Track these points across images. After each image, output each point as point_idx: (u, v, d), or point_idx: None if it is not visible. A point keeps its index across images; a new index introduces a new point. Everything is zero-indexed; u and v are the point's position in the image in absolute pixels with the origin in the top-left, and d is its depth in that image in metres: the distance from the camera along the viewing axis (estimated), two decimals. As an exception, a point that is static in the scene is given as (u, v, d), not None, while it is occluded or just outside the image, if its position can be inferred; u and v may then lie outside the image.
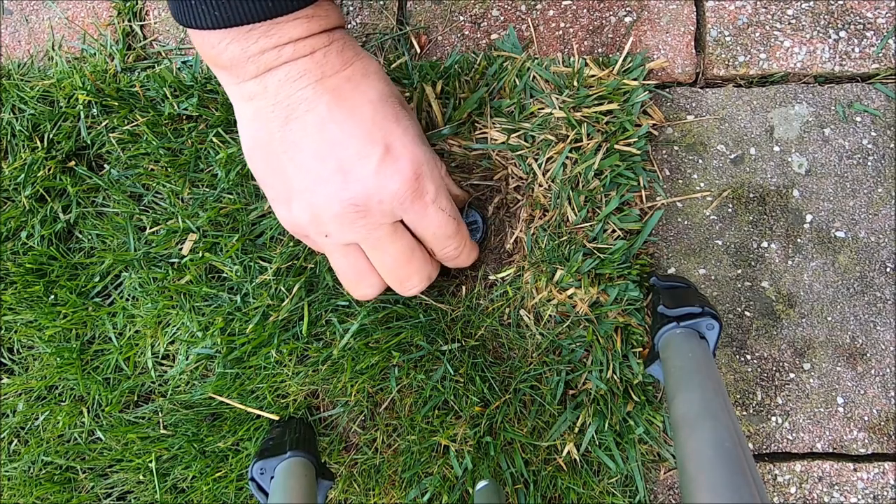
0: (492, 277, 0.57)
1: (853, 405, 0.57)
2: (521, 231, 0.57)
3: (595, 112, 0.56)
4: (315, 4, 0.36)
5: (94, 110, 0.61)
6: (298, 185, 0.40)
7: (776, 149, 0.57)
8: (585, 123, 0.55)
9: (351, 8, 0.63)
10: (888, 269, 0.56)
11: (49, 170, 0.61)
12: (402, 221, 0.43)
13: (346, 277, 0.46)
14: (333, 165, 0.39)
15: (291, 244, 0.57)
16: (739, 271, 0.58)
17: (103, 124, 0.61)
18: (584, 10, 0.61)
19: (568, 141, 0.55)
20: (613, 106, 0.55)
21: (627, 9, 0.60)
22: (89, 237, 0.62)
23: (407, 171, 0.39)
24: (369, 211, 0.40)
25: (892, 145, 0.56)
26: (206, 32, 0.35)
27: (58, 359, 0.61)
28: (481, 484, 0.53)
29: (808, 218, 0.57)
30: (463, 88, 0.56)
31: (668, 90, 0.59)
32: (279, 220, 0.43)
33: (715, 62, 0.59)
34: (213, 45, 0.36)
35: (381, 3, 0.62)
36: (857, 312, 0.57)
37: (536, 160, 0.56)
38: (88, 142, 0.61)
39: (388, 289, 0.48)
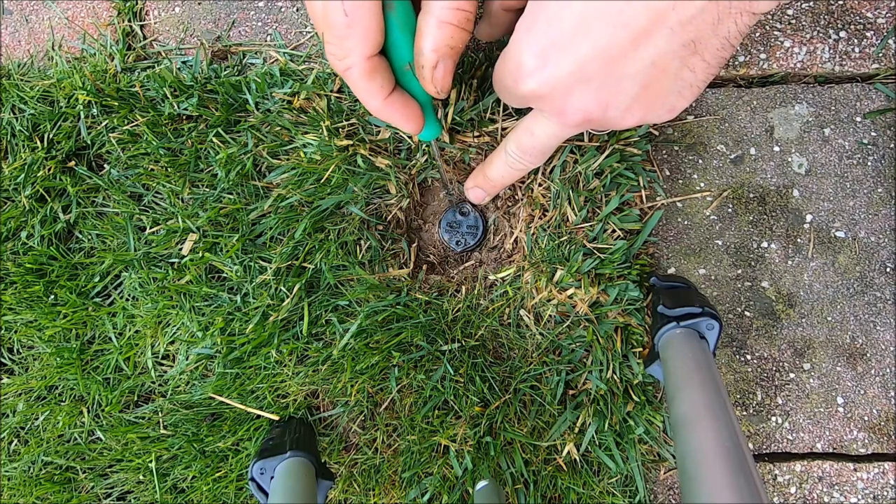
0: (492, 277, 0.57)
1: (853, 405, 0.57)
2: (521, 231, 0.57)
3: (595, 112, 0.56)
4: None
5: (94, 110, 0.61)
6: None
7: (776, 149, 0.57)
8: (585, 123, 0.55)
9: (351, 8, 0.63)
10: (888, 269, 0.56)
11: (49, 170, 0.61)
12: None
13: None
14: None
15: (291, 244, 0.57)
16: (739, 271, 0.58)
17: (103, 124, 0.61)
18: (584, 10, 0.61)
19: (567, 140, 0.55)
20: (613, 106, 0.55)
21: (627, 9, 0.60)
22: (89, 237, 0.62)
23: None
24: None
25: (892, 145, 0.56)
26: None
27: (58, 359, 0.61)
28: (481, 484, 0.53)
29: (808, 218, 0.57)
30: (467, 89, 0.56)
31: (668, 90, 0.59)
32: None
33: (715, 62, 0.59)
34: None
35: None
36: (857, 312, 0.57)
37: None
38: (88, 142, 0.61)
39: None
